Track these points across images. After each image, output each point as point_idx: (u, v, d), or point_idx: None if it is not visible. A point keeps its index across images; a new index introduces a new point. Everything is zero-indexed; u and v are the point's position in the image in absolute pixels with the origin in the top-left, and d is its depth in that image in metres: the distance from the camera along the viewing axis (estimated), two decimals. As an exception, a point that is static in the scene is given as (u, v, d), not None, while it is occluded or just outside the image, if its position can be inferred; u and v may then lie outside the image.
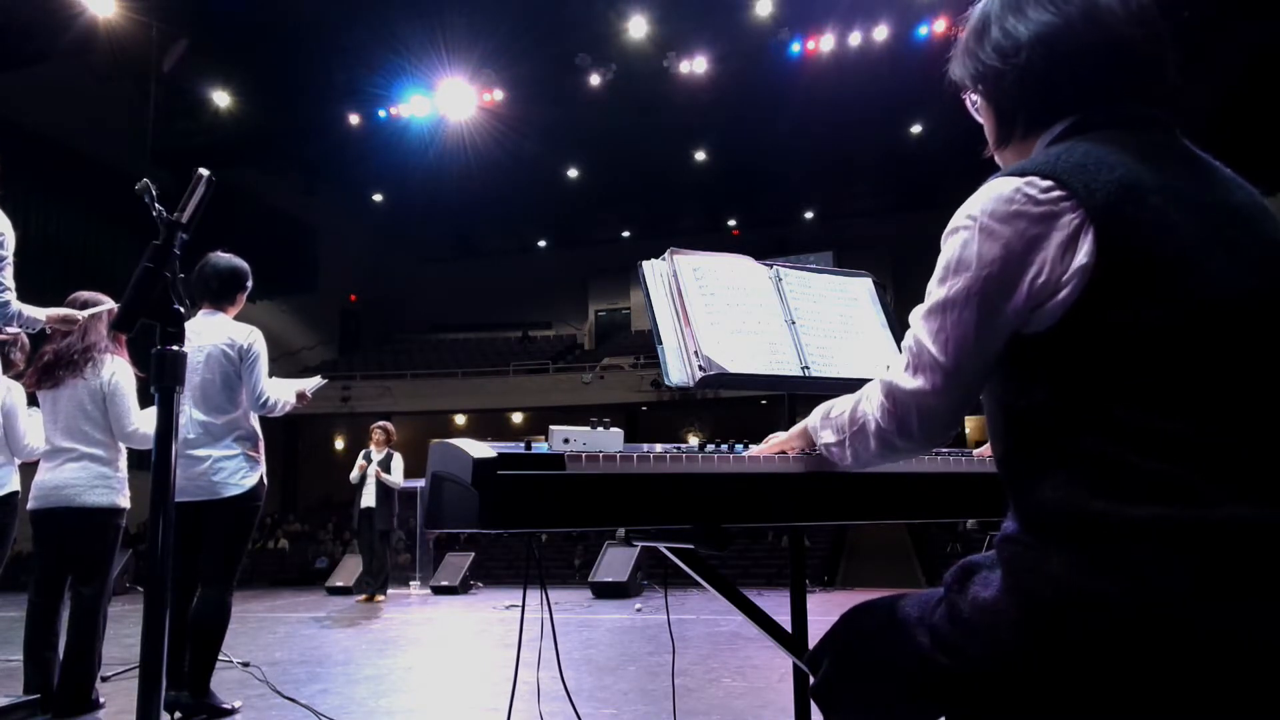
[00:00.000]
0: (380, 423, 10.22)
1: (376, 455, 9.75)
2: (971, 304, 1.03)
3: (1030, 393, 1.01)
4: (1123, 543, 0.90)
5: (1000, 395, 1.07)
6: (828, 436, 1.25)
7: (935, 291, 1.07)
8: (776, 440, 1.40)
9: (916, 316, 1.10)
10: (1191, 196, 1.00)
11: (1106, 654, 0.89)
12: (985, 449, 1.57)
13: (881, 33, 14.74)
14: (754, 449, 1.41)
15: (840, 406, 1.24)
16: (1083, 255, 0.96)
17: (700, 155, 21.05)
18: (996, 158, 1.23)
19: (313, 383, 3.84)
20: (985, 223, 1.02)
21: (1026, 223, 0.99)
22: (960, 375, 1.06)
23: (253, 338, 3.58)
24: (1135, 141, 1.04)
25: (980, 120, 1.25)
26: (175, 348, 1.36)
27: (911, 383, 1.09)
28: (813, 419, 1.30)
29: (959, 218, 1.06)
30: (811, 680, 1.26)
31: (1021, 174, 1.02)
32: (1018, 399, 1.03)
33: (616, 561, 9.85)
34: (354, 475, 9.79)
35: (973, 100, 1.24)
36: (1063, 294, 0.96)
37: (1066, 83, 1.10)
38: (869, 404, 1.17)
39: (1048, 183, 1.00)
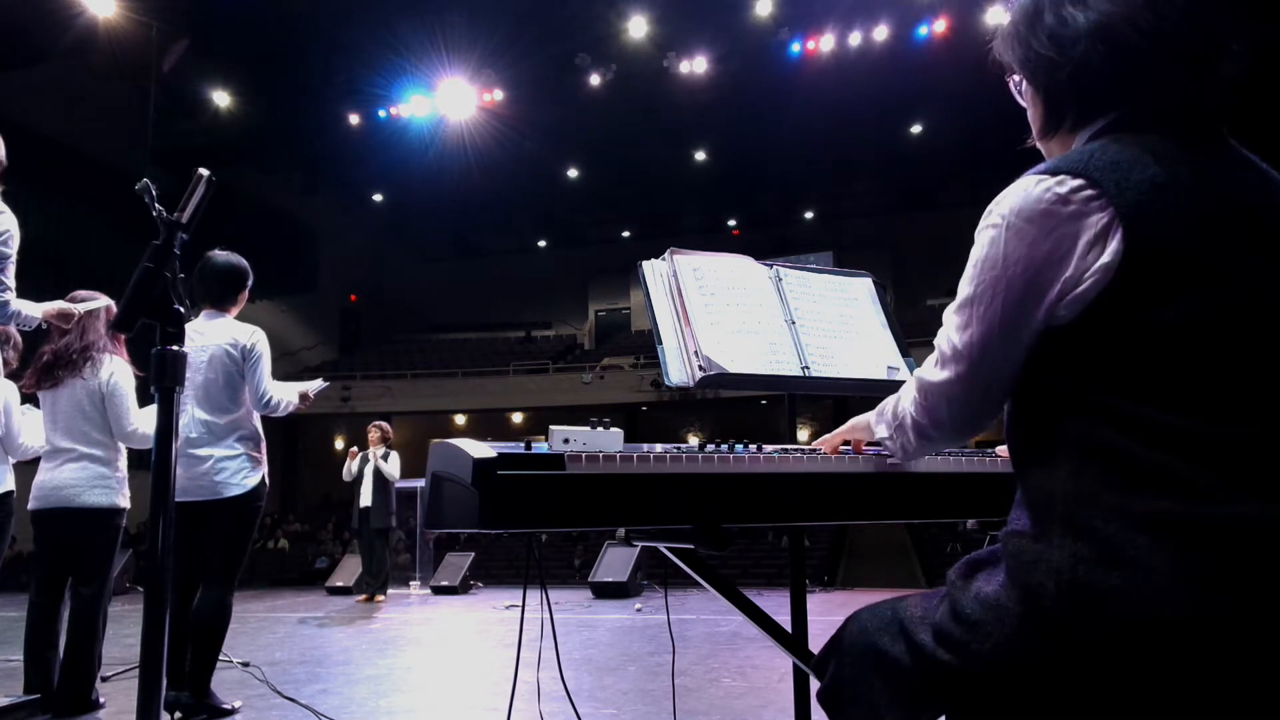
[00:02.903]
0: (376, 422, 10.23)
1: (374, 454, 9.76)
2: (997, 300, 1.04)
3: (1045, 386, 1.02)
4: (1130, 537, 0.90)
5: (1017, 388, 1.08)
6: (882, 431, 1.30)
7: (964, 288, 1.09)
8: (840, 433, 1.47)
9: (948, 312, 1.13)
10: (1227, 198, 0.99)
11: (1110, 649, 0.89)
12: (1005, 448, 1.56)
13: (881, 33, 14.74)
14: (824, 444, 1.47)
15: (890, 402, 1.29)
16: (1109, 253, 0.96)
17: (700, 155, 21.06)
18: (1040, 146, 1.21)
19: (315, 385, 3.85)
20: (1014, 221, 1.02)
21: (1055, 222, 0.99)
22: (984, 367, 1.08)
23: (255, 337, 3.58)
24: (1175, 142, 1.03)
25: (1024, 104, 1.22)
26: (175, 348, 1.36)
27: (939, 375, 1.13)
28: (875, 414, 1.35)
29: (990, 215, 1.07)
30: (816, 685, 1.26)
31: (1054, 172, 1.02)
32: (1033, 392, 1.05)
33: (616, 561, 9.85)
34: (347, 472, 9.78)
35: (1016, 83, 1.22)
36: (1083, 288, 0.97)
37: (1122, 78, 1.07)
38: (907, 399, 1.22)
39: (1079, 181, 0.99)
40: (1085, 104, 1.11)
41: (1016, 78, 1.21)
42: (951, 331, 1.11)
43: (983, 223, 1.08)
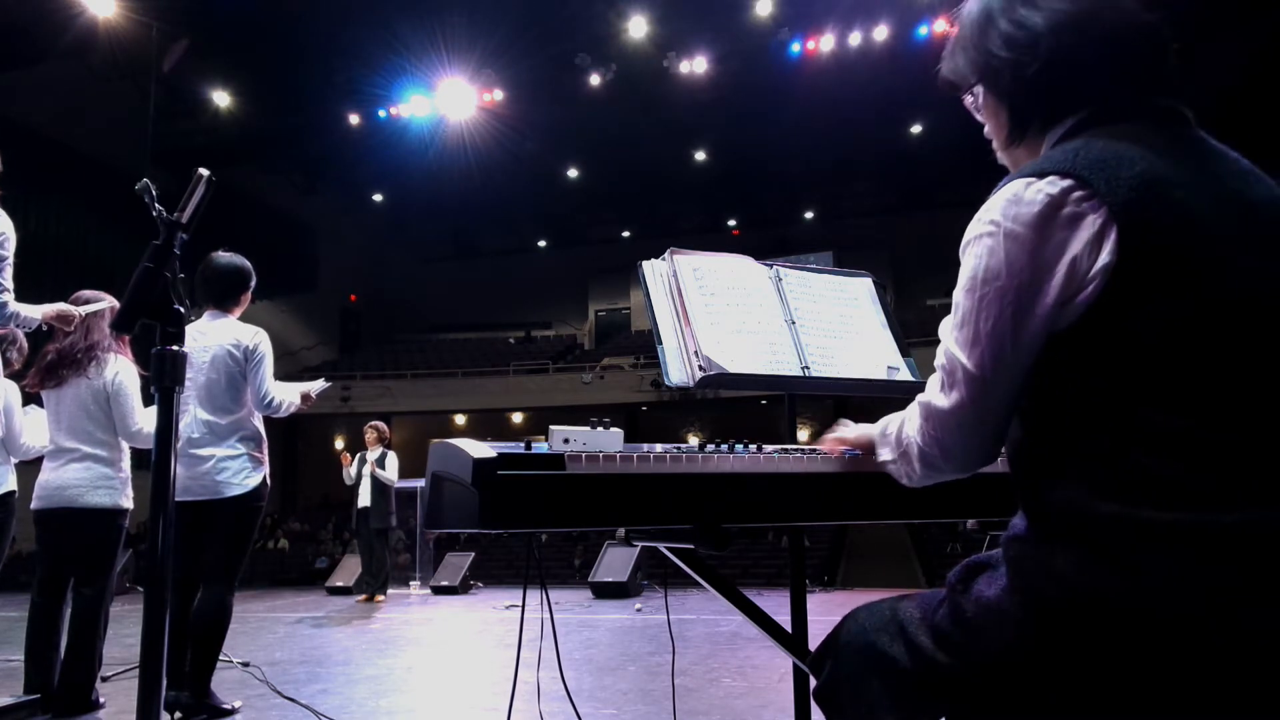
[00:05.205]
0: (373, 422, 10.22)
1: (371, 455, 9.76)
2: (1006, 314, 0.99)
3: (1045, 392, 1.00)
4: (1130, 545, 0.89)
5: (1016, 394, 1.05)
6: (886, 454, 1.23)
7: (964, 302, 1.03)
8: (844, 434, 1.38)
9: (947, 329, 1.06)
10: (1212, 190, 0.98)
11: (1111, 654, 0.88)
12: None
13: (881, 33, 14.75)
14: (826, 442, 1.40)
15: (894, 423, 1.21)
16: (1106, 254, 0.93)
17: (700, 155, 21.06)
18: (1004, 157, 1.19)
19: (317, 385, 3.85)
20: (1010, 228, 0.99)
21: (1053, 226, 0.97)
22: (997, 387, 1.02)
23: (258, 339, 3.58)
24: (1153, 135, 1.02)
25: (981, 119, 1.20)
26: (175, 348, 1.36)
27: (947, 400, 1.05)
28: (875, 431, 1.27)
29: (980, 224, 1.03)
30: (814, 682, 1.26)
31: (1040, 174, 0.99)
32: (1032, 398, 1.02)
33: (616, 561, 9.85)
34: (346, 476, 9.79)
35: (972, 99, 1.20)
36: (1085, 293, 0.95)
37: (1086, 73, 1.06)
38: (911, 426, 1.13)
39: (1069, 182, 0.97)
40: (1052, 104, 1.10)
41: (970, 96, 1.19)
42: (957, 350, 1.03)
43: (973, 231, 1.03)
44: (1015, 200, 1.00)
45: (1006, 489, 1.09)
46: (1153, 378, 0.92)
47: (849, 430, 1.39)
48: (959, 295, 1.04)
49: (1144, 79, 1.07)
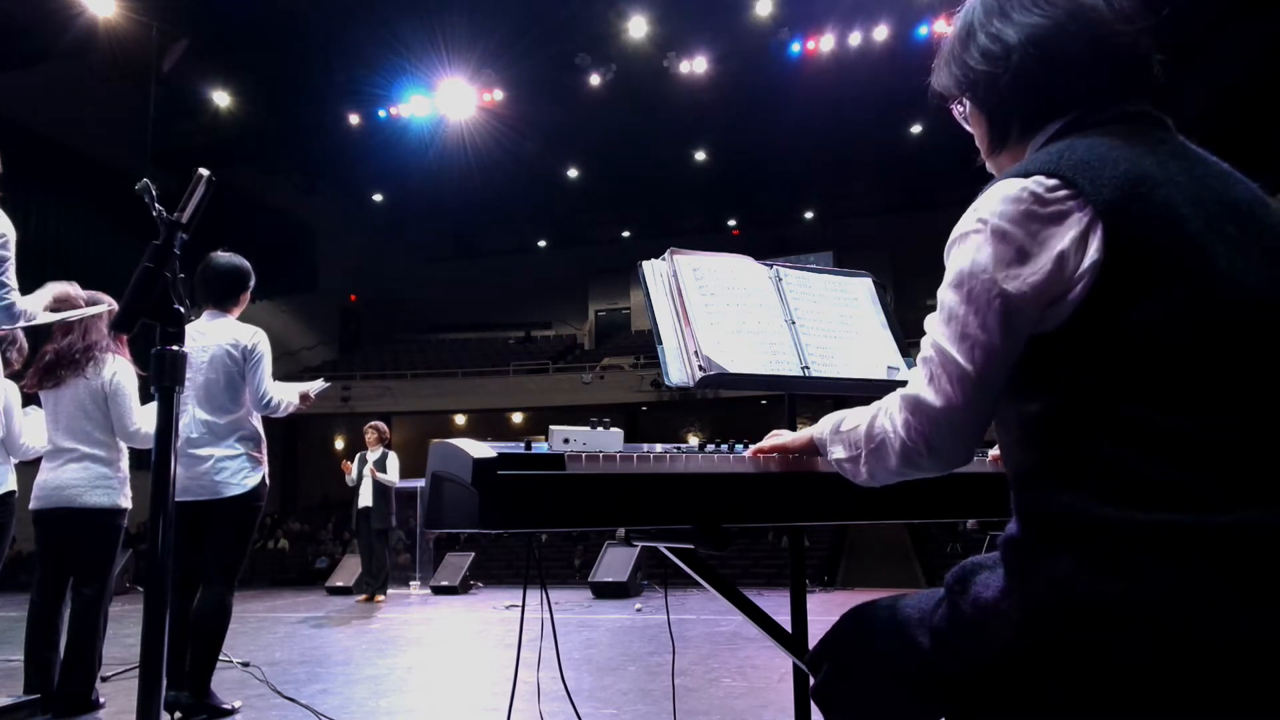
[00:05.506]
0: (373, 423, 10.22)
1: (371, 455, 9.76)
2: (994, 309, 0.99)
3: (1037, 394, 1.00)
4: (1127, 547, 0.89)
5: (1008, 396, 1.04)
6: (839, 452, 1.20)
7: (951, 298, 1.03)
8: (779, 440, 1.37)
9: (934, 324, 1.05)
10: (1195, 191, 0.98)
11: (1109, 656, 0.88)
12: (996, 451, 1.54)
13: (881, 33, 14.74)
14: (754, 447, 1.39)
15: (852, 420, 1.18)
16: (1093, 252, 0.94)
17: (700, 155, 21.06)
18: (989, 165, 1.21)
19: (316, 385, 3.85)
20: (997, 224, 1.00)
21: (1039, 223, 0.98)
22: (988, 385, 1.01)
23: (257, 338, 3.59)
24: (1134, 138, 1.03)
25: (970, 129, 1.24)
26: (175, 348, 1.36)
27: (938, 398, 1.03)
28: (821, 429, 1.25)
29: (968, 221, 1.03)
30: (812, 681, 1.26)
31: (1026, 174, 1.01)
32: (1025, 400, 1.02)
33: (616, 561, 9.85)
34: (350, 481, 9.79)
35: (960, 109, 1.23)
36: (1075, 291, 0.95)
37: (1060, 83, 1.09)
38: (888, 419, 1.10)
39: (1053, 181, 0.98)
40: (1027, 112, 1.12)
41: (959, 106, 1.23)
42: (947, 344, 1.02)
43: (960, 228, 1.04)
44: (1002, 199, 1.01)
45: (1005, 489, 1.08)
46: (1146, 378, 0.93)
47: (784, 436, 1.37)
48: (946, 293, 1.04)
49: (1121, 87, 1.09)
